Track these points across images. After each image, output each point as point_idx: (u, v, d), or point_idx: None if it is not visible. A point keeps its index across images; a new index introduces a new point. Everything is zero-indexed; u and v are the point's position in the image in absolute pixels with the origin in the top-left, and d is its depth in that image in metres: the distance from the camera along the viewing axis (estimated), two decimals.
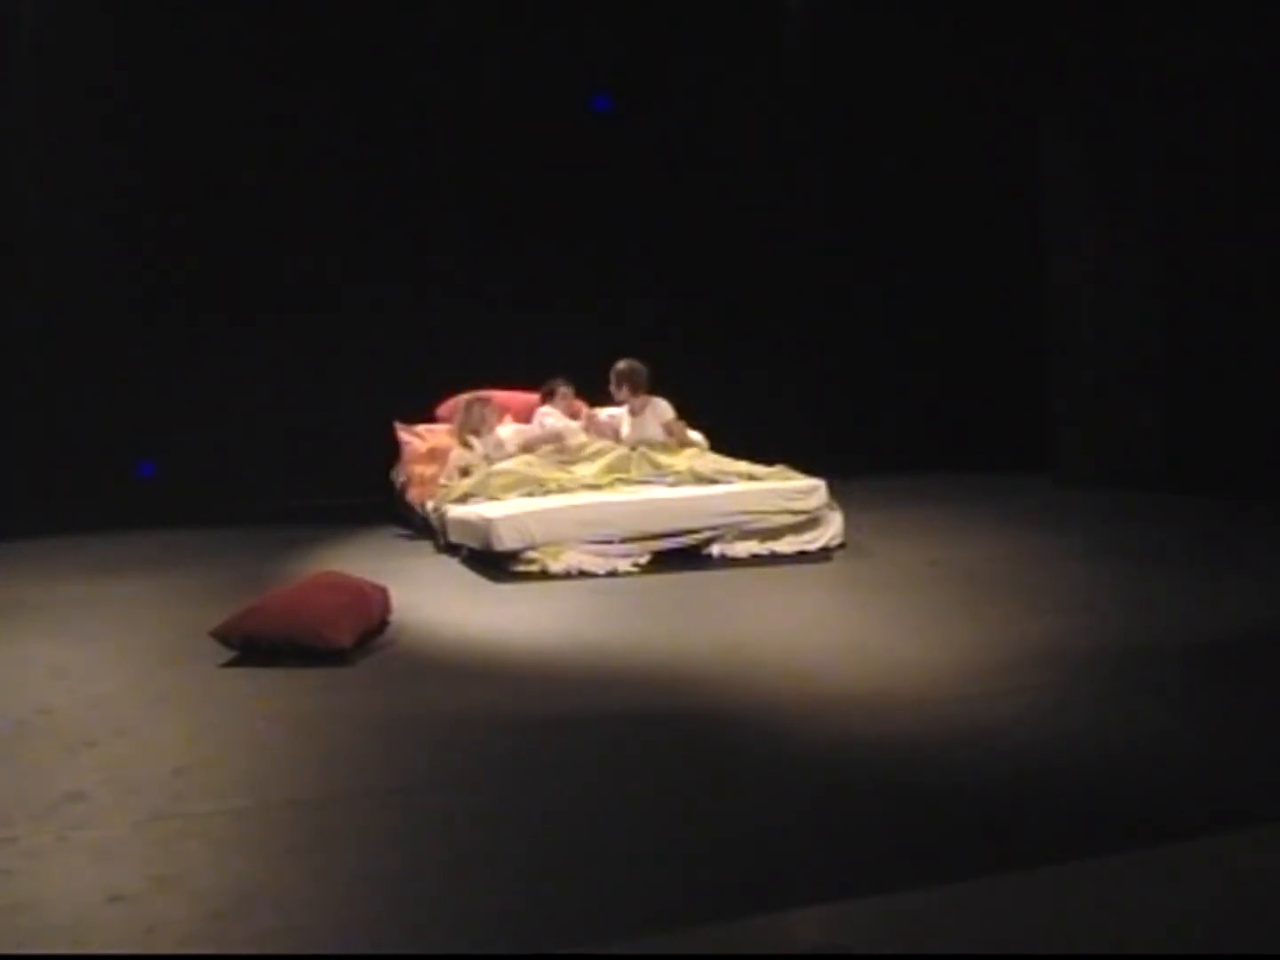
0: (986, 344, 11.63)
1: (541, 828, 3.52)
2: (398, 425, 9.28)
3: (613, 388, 8.80)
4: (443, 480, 8.51)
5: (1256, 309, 9.21)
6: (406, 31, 11.24)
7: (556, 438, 8.73)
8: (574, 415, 9.19)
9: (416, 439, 9.20)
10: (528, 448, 8.63)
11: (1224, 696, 4.54)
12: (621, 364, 8.80)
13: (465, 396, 8.99)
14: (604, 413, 9.05)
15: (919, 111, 11.77)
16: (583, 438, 8.74)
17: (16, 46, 10.31)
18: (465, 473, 8.41)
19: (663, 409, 8.80)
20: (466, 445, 8.70)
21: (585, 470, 8.18)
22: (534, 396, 9.36)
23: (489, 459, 8.52)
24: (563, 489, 7.92)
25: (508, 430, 9.05)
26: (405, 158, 11.21)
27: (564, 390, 9.25)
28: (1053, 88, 10.47)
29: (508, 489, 7.94)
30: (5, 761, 4.22)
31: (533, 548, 7.26)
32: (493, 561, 7.33)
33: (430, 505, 8.40)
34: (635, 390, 8.76)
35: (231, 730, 4.52)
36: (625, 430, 8.75)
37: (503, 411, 9.23)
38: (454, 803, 3.75)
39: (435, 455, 8.92)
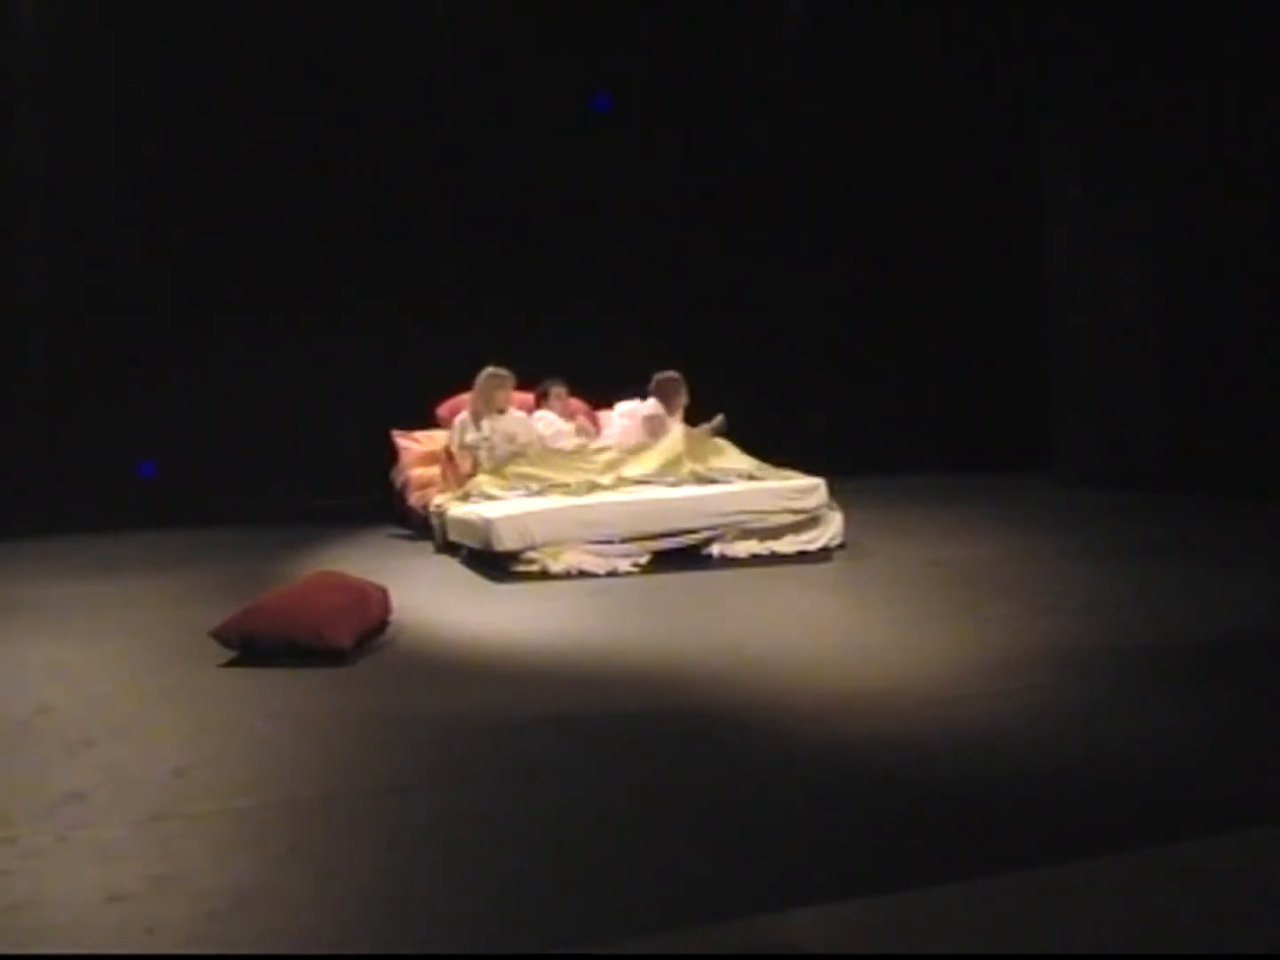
0: (987, 344, 11.63)
1: (541, 828, 3.52)
2: (395, 433, 9.26)
3: (665, 397, 8.87)
4: (453, 448, 8.56)
5: (1257, 309, 9.21)
6: (406, 33, 11.24)
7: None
8: (570, 416, 9.16)
9: (414, 444, 9.20)
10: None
11: (1224, 696, 4.54)
12: (675, 375, 8.94)
13: (489, 369, 8.83)
14: (622, 408, 9.04)
15: (918, 112, 11.77)
16: (574, 440, 8.73)
17: (18, 45, 10.31)
18: (468, 450, 8.44)
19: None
20: (476, 419, 8.68)
21: (638, 465, 8.17)
22: (529, 397, 9.30)
23: (490, 443, 8.51)
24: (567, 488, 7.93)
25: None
26: (405, 161, 11.21)
27: (558, 391, 9.18)
28: (1051, 88, 10.48)
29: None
30: (5, 761, 4.22)
31: (533, 548, 7.26)
32: (493, 561, 7.33)
33: (433, 504, 8.39)
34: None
35: (231, 730, 4.51)
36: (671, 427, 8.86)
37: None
38: (454, 803, 3.75)
39: (434, 459, 8.93)
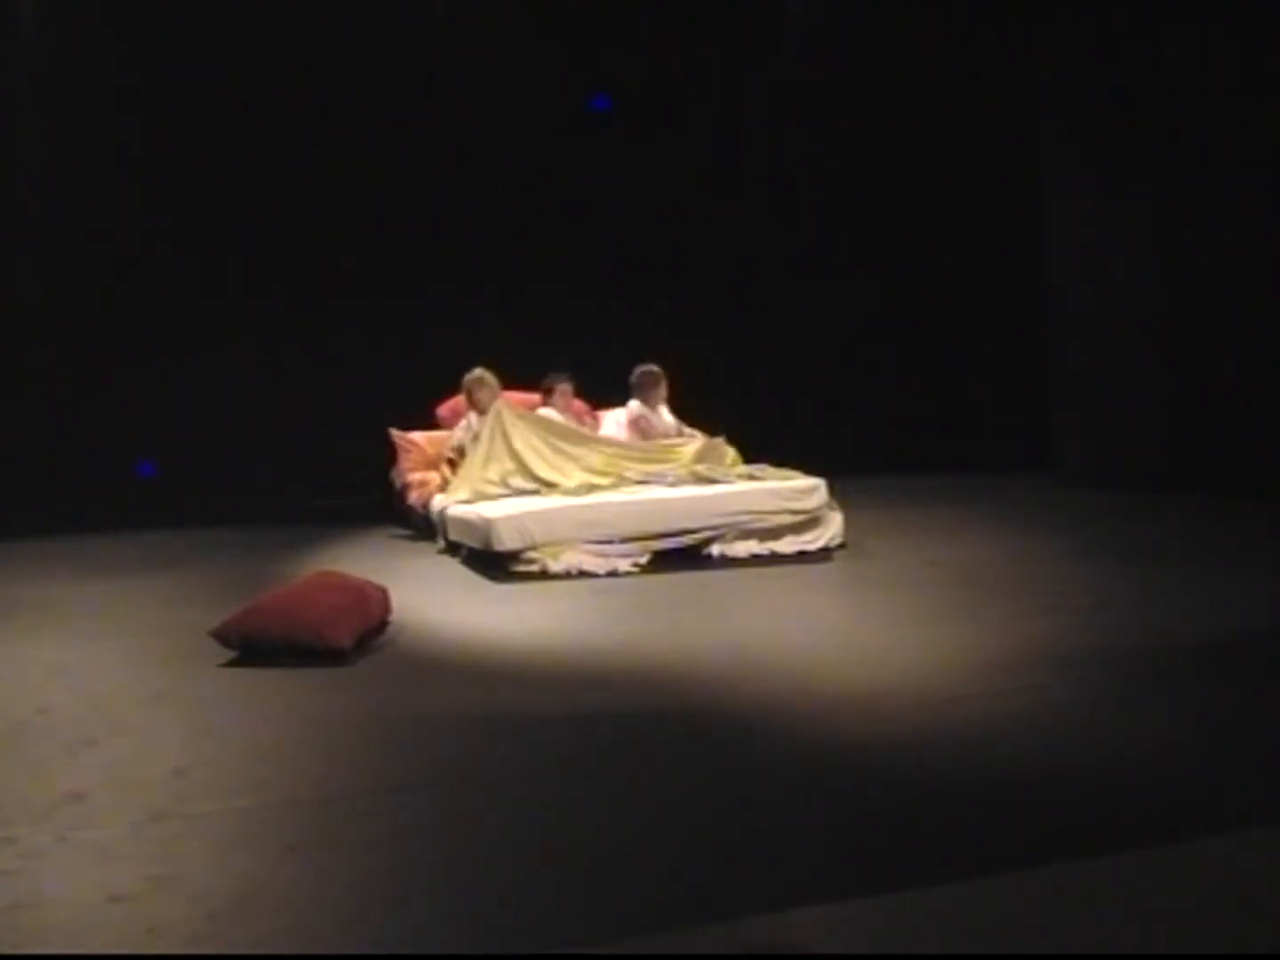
0: (987, 344, 11.63)
1: (542, 828, 3.52)
2: (393, 432, 9.27)
3: (646, 391, 8.92)
4: (446, 453, 8.67)
5: (1257, 309, 9.21)
6: (406, 33, 11.24)
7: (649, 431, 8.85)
8: (572, 415, 9.14)
9: (413, 447, 9.19)
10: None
11: (1224, 696, 4.54)
12: (654, 368, 8.96)
13: (476, 371, 8.98)
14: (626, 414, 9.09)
15: (918, 112, 11.77)
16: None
17: (18, 45, 10.31)
18: (460, 452, 8.48)
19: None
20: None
21: (667, 461, 8.21)
22: (534, 397, 9.30)
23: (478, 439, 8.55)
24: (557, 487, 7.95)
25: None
26: (405, 161, 11.21)
27: (563, 388, 9.15)
28: (1051, 88, 10.47)
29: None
30: (5, 761, 4.22)
31: (533, 548, 7.26)
32: (493, 561, 7.33)
33: (435, 503, 8.38)
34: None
35: (231, 730, 4.52)
36: (659, 426, 8.87)
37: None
38: (454, 803, 3.75)
39: (434, 463, 8.94)
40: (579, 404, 9.35)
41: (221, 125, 10.69)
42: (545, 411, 8.97)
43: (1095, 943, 2.74)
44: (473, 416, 8.77)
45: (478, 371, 8.94)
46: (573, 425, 8.75)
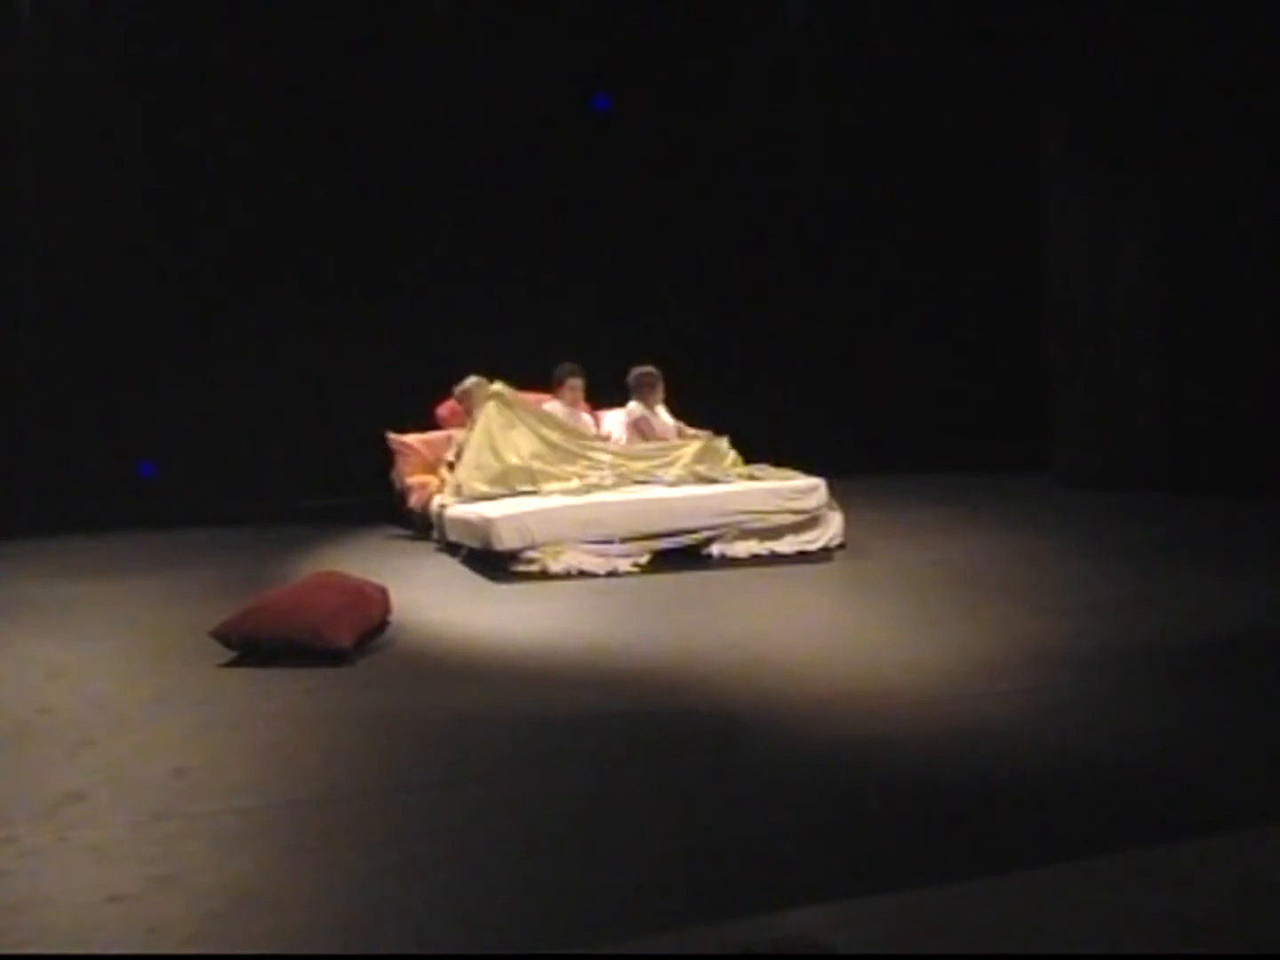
0: (987, 343, 11.63)
1: (541, 827, 3.52)
2: (389, 435, 9.25)
3: (644, 392, 8.85)
4: (447, 458, 8.64)
5: (1257, 308, 9.21)
6: (406, 33, 11.24)
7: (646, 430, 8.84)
8: (579, 411, 9.11)
9: (410, 450, 9.18)
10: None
11: (1224, 696, 4.54)
12: (651, 369, 8.90)
13: (466, 383, 9.01)
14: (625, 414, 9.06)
15: (918, 109, 11.76)
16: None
17: (18, 45, 10.31)
18: (458, 455, 8.46)
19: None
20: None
21: (669, 463, 8.21)
22: (542, 396, 9.20)
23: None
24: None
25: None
26: (404, 161, 11.20)
27: (573, 382, 9.01)
28: (1052, 88, 10.47)
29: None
30: (5, 761, 4.22)
31: (533, 548, 7.26)
32: (493, 561, 7.33)
33: (433, 503, 8.38)
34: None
35: (231, 730, 4.52)
36: (659, 427, 8.83)
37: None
38: (454, 803, 3.75)
39: (433, 468, 8.93)
40: (584, 406, 9.30)
41: (221, 126, 10.68)
42: (551, 405, 8.89)
43: (1096, 943, 2.74)
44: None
45: (467, 382, 8.94)
46: (573, 423, 8.72)
